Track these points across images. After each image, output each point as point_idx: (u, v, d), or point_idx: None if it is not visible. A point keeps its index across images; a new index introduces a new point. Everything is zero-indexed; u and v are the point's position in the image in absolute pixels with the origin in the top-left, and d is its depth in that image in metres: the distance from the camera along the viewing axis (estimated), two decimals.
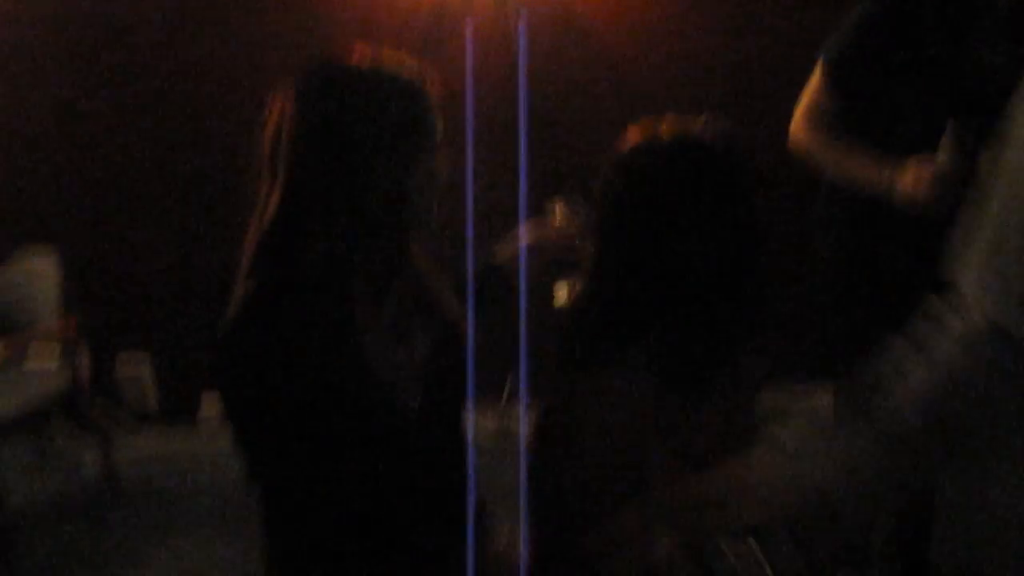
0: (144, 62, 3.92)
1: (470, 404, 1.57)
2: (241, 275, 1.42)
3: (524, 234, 1.76)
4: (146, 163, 4.02)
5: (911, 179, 2.02)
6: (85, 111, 3.98)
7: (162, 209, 4.07)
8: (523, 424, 1.56)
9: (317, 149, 1.37)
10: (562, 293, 1.80)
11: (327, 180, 1.37)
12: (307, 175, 1.38)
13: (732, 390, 1.42)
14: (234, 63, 3.87)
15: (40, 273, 3.56)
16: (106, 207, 4.08)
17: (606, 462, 1.32)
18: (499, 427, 3.80)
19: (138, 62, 3.92)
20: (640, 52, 3.63)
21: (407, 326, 1.50)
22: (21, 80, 3.96)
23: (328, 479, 1.39)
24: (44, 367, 3.67)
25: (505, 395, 3.93)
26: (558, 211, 1.79)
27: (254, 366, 1.33)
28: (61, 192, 4.07)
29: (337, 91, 1.39)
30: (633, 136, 1.39)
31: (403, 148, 1.40)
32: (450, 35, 3.56)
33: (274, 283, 1.38)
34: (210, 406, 4.18)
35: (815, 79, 2.23)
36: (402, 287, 1.51)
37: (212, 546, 3.29)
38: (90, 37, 3.90)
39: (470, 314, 1.60)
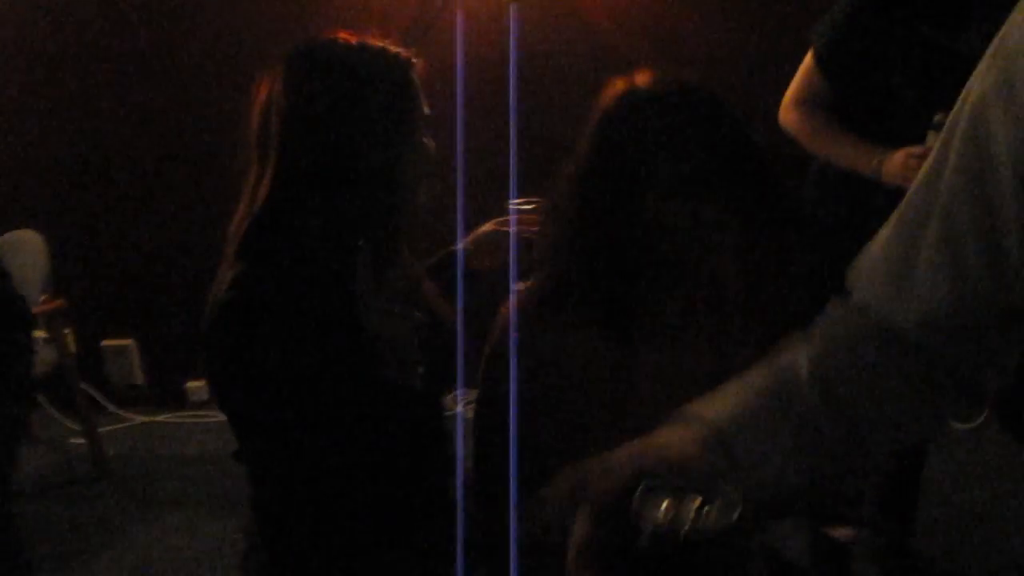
0: (132, 47, 3.89)
1: (459, 385, 1.59)
2: (228, 256, 1.43)
3: (482, 231, 1.79)
4: (135, 146, 4.00)
5: (899, 165, 2.04)
6: (77, 96, 3.96)
7: (150, 193, 4.06)
8: (459, 412, 1.57)
9: (307, 128, 1.38)
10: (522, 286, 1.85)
11: (318, 158, 1.39)
12: (298, 154, 1.39)
13: (679, 338, 1.41)
14: (219, 48, 3.85)
15: (28, 252, 3.56)
16: (93, 188, 4.07)
17: (549, 409, 1.33)
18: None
19: (126, 47, 3.90)
20: (630, 38, 3.63)
21: (404, 303, 1.52)
22: (17, 61, 3.94)
23: (327, 454, 1.41)
24: None
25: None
26: (518, 206, 1.81)
27: (257, 344, 1.35)
28: (47, 174, 4.06)
29: (324, 69, 1.40)
30: (615, 88, 1.38)
31: (391, 123, 1.41)
32: (440, 24, 3.56)
33: (271, 262, 1.39)
34: (196, 381, 4.20)
35: (806, 62, 2.25)
36: (398, 263, 1.53)
37: (198, 521, 3.31)
38: (84, 22, 3.88)
39: (460, 299, 1.62)
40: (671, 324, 1.40)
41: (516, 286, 1.68)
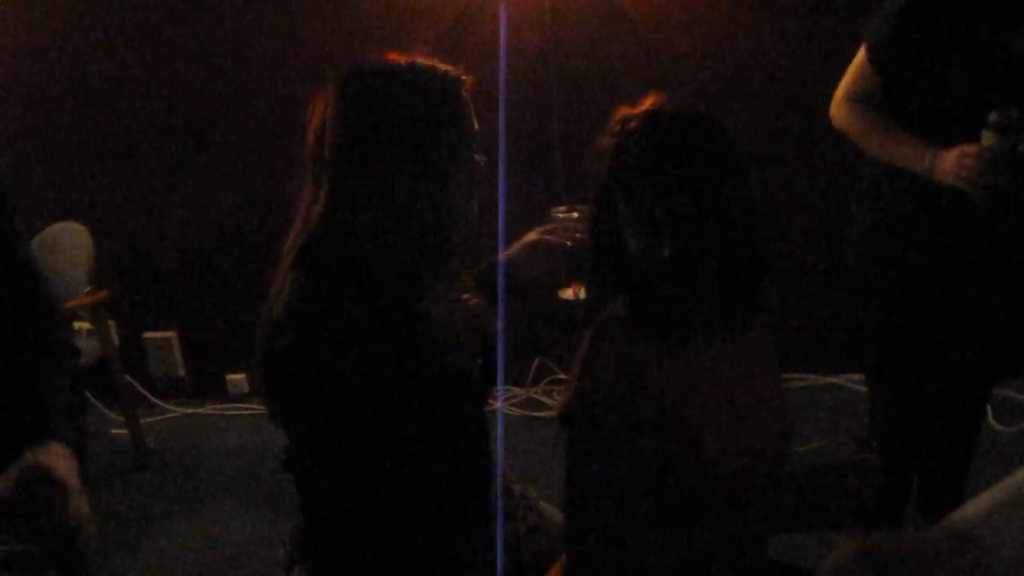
0: (182, 43, 3.92)
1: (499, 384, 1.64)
2: (283, 270, 1.47)
3: (525, 240, 1.80)
4: (178, 138, 4.03)
5: (952, 163, 2.00)
6: (123, 90, 3.99)
7: (192, 185, 4.09)
8: (499, 411, 1.60)
9: (360, 149, 1.42)
10: (568, 292, 1.88)
11: (372, 179, 1.42)
12: (353, 174, 1.42)
13: (730, 346, 1.48)
14: (262, 40, 3.86)
15: (72, 244, 3.60)
16: (136, 180, 4.11)
17: (623, 432, 1.37)
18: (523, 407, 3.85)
19: (176, 42, 3.93)
20: (671, 37, 3.61)
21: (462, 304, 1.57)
22: (58, 55, 3.98)
23: (385, 464, 1.43)
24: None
25: (529, 378, 3.99)
26: (561, 214, 1.84)
27: (322, 354, 1.38)
28: (91, 165, 4.10)
29: (376, 91, 1.43)
30: (636, 110, 1.41)
31: (444, 145, 1.45)
32: (483, 20, 3.57)
33: (330, 272, 1.43)
34: (237, 374, 4.24)
35: (858, 59, 2.22)
36: (450, 276, 1.57)
37: (239, 513, 3.34)
38: (130, 20, 3.92)
39: (500, 306, 1.65)
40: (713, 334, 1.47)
41: (563, 294, 1.71)
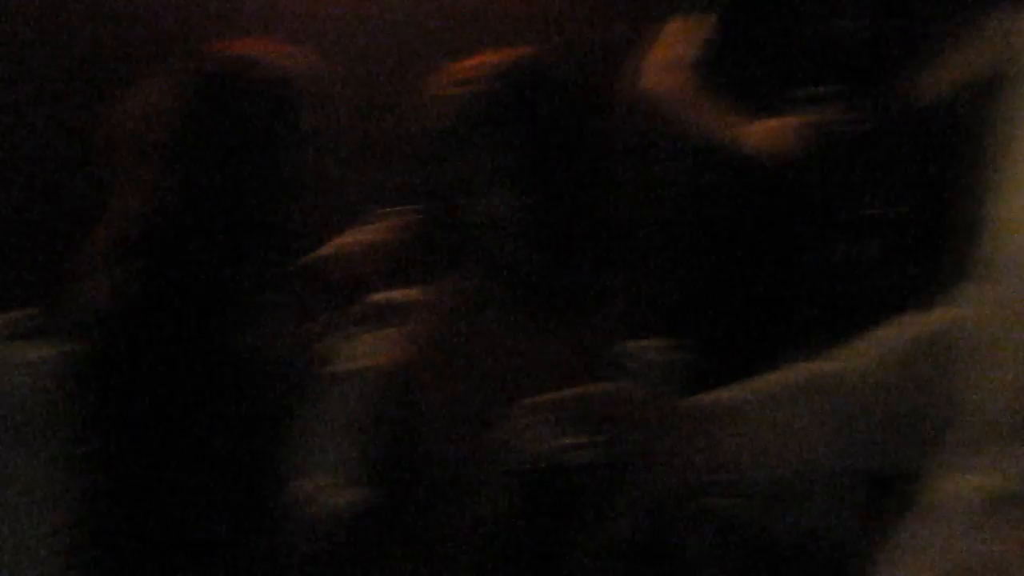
0: None
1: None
2: (96, 263, 1.40)
3: (347, 236, 1.79)
4: None
5: (758, 135, 2.07)
6: None
7: None
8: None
9: (197, 144, 1.38)
10: (379, 296, 1.91)
11: (205, 171, 1.39)
12: (185, 166, 1.38)
13: (587, 320, 1.45)
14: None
15: None
16: None
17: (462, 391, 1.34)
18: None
19: None
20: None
21: (281, 313, 1.51)
22: None
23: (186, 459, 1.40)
24: None
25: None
26: (380, 221, 1.82)
27: (138, 355, 1.33)
28: None
29: (224, 87, 1.40)
30: (470, 66, 1.37)
31: (281, 141, 1.42)
32: None
33: (151, 274, 1.38)
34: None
35: (672, 27, 2.24)
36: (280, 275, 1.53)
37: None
38: None
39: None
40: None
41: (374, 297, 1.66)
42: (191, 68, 1.41)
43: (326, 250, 1.76)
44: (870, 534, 0.77)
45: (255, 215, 1.42)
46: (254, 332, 1.45)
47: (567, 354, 1.40)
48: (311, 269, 1.70)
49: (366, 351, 3.74)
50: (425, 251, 1.44)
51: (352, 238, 1.78)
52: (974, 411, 0.67)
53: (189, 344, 1.35)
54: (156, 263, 1.38)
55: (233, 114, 1.37)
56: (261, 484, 1.52)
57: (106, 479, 1.45)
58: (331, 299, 1.71)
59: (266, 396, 1.48)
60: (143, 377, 1.33)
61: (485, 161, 1.30)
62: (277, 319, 1.50)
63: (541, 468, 0.75)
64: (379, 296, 2.04)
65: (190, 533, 1.44)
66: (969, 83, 2.02)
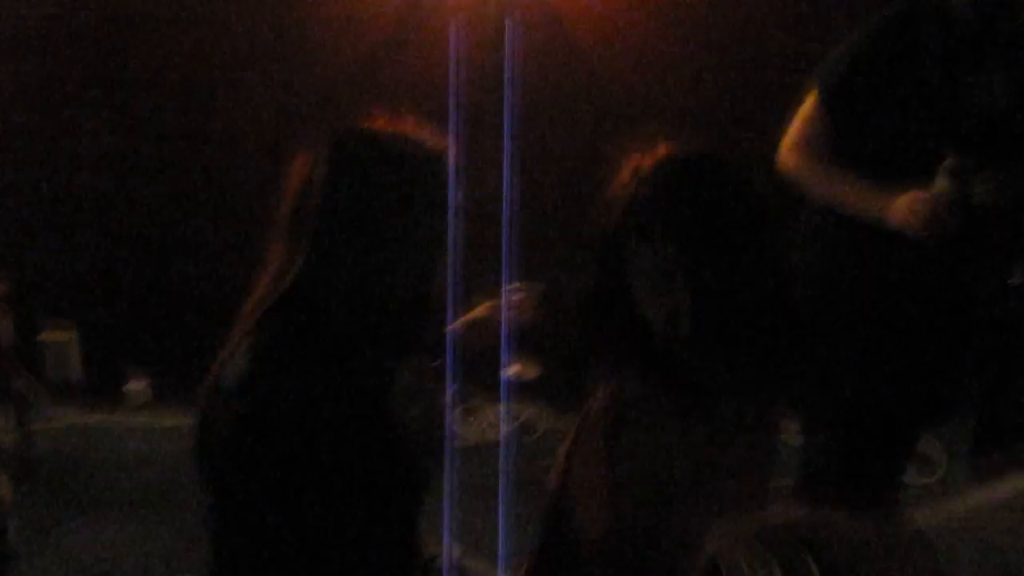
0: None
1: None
2: (239, 330, 1.40)
3: (479, 309, 1.79)
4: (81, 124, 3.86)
5: (904, 209, 1.99)
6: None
7: (96, 181, 3.91)
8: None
9: (351, 215, 1.37)
10: (513, 369, 1.89)
11: (357, 248, 1.38)
12: (337, 242, 1.37)
13: (747, 409, 1.39)
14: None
15: None
16: (37, 175, 3.92)
17: (634, 483, 1.31)
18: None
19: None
20: (626, 60, 3.58)
21: (425, 384, 1.50)
22: None
23: (317, 539, 1.37)
24: None
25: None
26: (515, 294, 1.84)
27: (274, 434, 1.31)
28: None
29: (370, 160, 1.39)
30: (649, 157, 1.34)
31: (429, 221, 1.41)
32: (435, 39, 3.50)
33: (294, 342, 1.36)
34: (136, 380, 4.04)
35: (808, 103, 2.21)
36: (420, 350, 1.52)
37: (130, 523, 3.18)
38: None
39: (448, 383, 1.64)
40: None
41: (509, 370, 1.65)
42: (337, 142, 1.42)
43: (463, 320, 1.76)
44: None
45: (396, 286, 1.41)
46: (394, 400, 1.44)
47: (739, 458, 1.37)
48: (448, 338, 1.70)
49: (495, 423, 3.80)
50: (589, 354, 1.42)
51: (487, 311, 1.78)
52: None
53: (327, 412, 1.33)
54: (296, 332, 1.38)
55: (376, 187, 1.38)
56: (397, 554, 1.51)
57: (241, 548, 1.44)
58: (465, 369, 1.70)
59: (404, 463, 1.47)
60: (282, 444, 1.33)
61: (658, 260, 1.27)
62: (416, 387, 1.49)
63: None
64: (512, 369, 2.04)
65: None
66: None
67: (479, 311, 1.78)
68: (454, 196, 1.47)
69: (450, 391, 1.64)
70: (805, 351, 1.44)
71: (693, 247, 1.25)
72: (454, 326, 1.72)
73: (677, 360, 1.32)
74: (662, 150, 1.34)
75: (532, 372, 1.96)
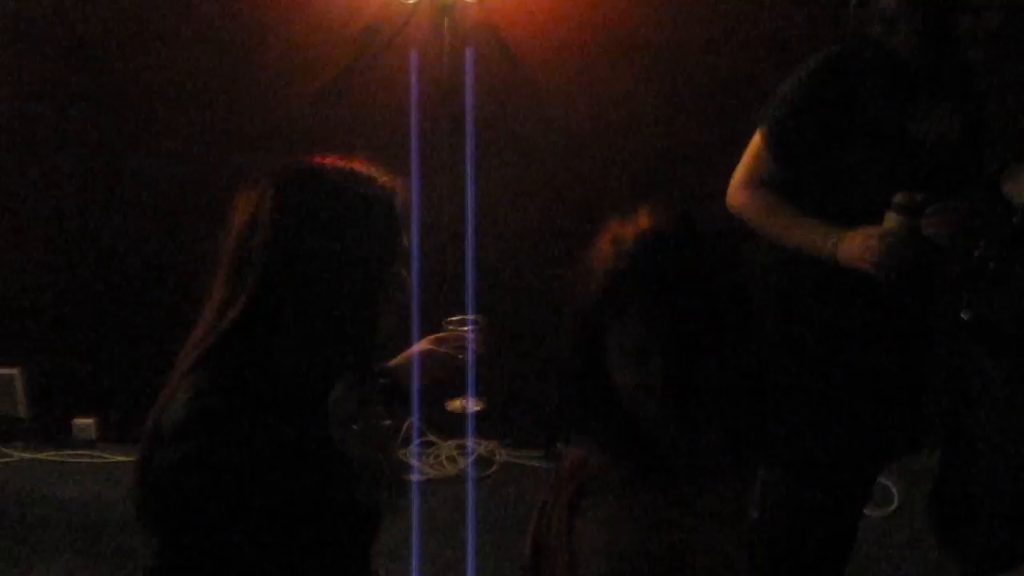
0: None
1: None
2: (178, 371, 1.38)
3: (421, 344, 1.77)
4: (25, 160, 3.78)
5: (856, 246, 2.01)
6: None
7: (43, 218, 3.83)
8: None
9: (294, 256, 1.36)
10: (456, 404, 1.89)
11: (301, 286, 1.36)
12: (281, 279, 1.36)
13: (732, 480, 1.40)
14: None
15: None
16: None
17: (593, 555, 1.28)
18: None
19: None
20: (581, 86, 3.60)
21: (375, 421, 1.49)
22: None
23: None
24: None
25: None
26: (453, 325, 1.84)
27: (214, 475, 1.29)
28: None
29: (317, 199, 1.38)
30: (628, 227, 1.32)
31: (376, 255, 1.41)
32: (395, 69, 3.49)
33: (240, 380, 1.35)
34: (84, 423, 3.94)
35: (754, 144, 2.22)
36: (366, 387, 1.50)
37: (74, 570, 3.08)
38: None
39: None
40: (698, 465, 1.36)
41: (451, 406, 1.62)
42: (284, 178, 1.41)
43: (404, 356, 1.74)
44: None
45: (343, 324, 1.40)
46: (337, 433, 1.42)
47: (711, 542, 1.35)
48: (390, 375, 1.68)
49: (453, 456, 3.77)
50: (573, 412, 1.41)
51: (431, 345, 1.76)
52: None
53: (266, 454, 1.31)
54: (235, 371, 1.36)
55: (322, 224, 1.37)
56: None
57: None
58: (408, 406, 1.69)
59: (351, 498, 1.44)
60: (221, 487, 1.30)
61: (633, 336, 1.25)
62: (361, 425, 1.47)
63: None
64: (456, 404, 2.03)
65: None
66: None
67: (418, 346, 1.76)
68: (409, 232, 1.47)
69: (411, 424, 1.63)
70: (774, 416, 1.44)
71: (669, 326, 1.23)
72: (392, 363, 1.71)
73: (643, 434, 1.30)
74: (643, 221, 1.32)
75: (476, 405, 1.94)
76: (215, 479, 1.29)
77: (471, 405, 2.00)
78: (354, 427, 1.41)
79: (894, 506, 3.44)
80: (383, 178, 1.44)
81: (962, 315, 2.21)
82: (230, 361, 1.36)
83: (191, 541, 1.34)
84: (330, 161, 1.43)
